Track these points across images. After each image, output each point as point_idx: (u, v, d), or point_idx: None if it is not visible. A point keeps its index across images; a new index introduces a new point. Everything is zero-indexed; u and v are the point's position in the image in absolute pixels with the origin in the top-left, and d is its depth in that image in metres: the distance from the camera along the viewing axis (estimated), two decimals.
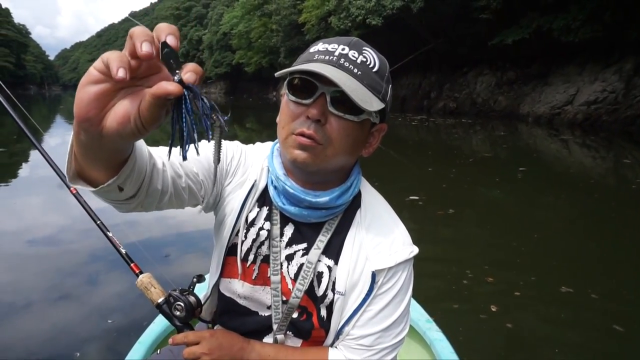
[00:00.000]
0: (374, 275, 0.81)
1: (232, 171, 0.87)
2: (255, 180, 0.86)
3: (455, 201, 4.76)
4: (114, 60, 0.42)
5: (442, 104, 18.93)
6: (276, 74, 0.76)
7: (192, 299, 0.87)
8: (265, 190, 0.86)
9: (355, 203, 0.87)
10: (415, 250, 0.87)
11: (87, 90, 0.45)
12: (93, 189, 0.60)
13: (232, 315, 0.93)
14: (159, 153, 0.72)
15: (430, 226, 3.98)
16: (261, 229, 0.86)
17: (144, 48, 0.41)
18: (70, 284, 2.81)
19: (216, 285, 0.93)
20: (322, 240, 0.84)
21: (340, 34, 20.50)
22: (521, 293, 2.65)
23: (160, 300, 0.90)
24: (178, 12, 70.32)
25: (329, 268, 0.84)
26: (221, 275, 0.91)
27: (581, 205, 4.81)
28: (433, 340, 1.41)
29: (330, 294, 0.84)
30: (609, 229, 4.01)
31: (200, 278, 0.94)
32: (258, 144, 0.94)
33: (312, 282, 0.84)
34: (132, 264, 0.99)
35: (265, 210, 0.86)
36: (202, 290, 1.03)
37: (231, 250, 0.88)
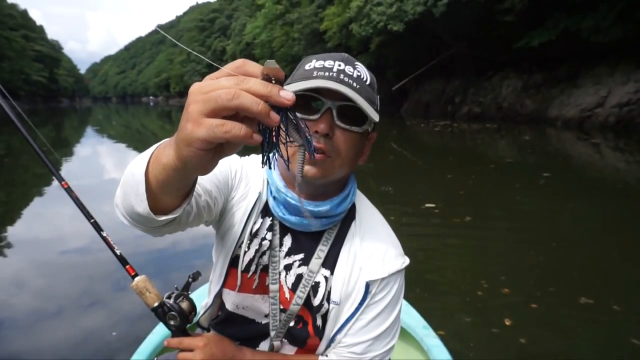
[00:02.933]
0: (367, 286, 0.84)
1: (236, 184, 0.90)
2: (260, 192, 0.89)
3: (473, 208, 4.62)
4: (244, 135, 0.41)
5: (466, 109, 18.57)
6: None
7: (185, 304, 0.89)
8: (267, 201, 0.89)
9: (350, 214, 0.91)
10: (407, 261, 0.89)
11: (204, 159, 0.46)
12: (175, 215, 0.63)
13: (229, 323, 0.95)
14: None
15: (445, 234, 3.87)
16: (264, 239, 0.88)
17: (274, 118, 0.42)
18: (78, 295, 2.85)
19: (218, 295, 0.95)
20: (322, 250, 0.87)
21: (361, 40, 20.54)
22: (538, 305, 2.54)
23: (155, 305, 0.89)
24: (202, 23, 72.07)
25: (325, 278, 0.87)
26: (223, 286, 0.93)
27: (606, 212, 4.58)
28: (430, 346, 1.40)
29: (325, 304, 0.86)
30: (636, 236, 3.80)
31: (196, 275, 0.94)
32: (253, 155, 0.97)
33: (308, 292, 0.87)
34: (127, 266, 0.97)
35: (268, 220, 0.89)
36: (202, 298, 1.07)
37: (233, 261, 0.90)
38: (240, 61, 0.44)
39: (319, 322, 0.88)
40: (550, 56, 14.98)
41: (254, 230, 0.88)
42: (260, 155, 0.94)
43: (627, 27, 11.66)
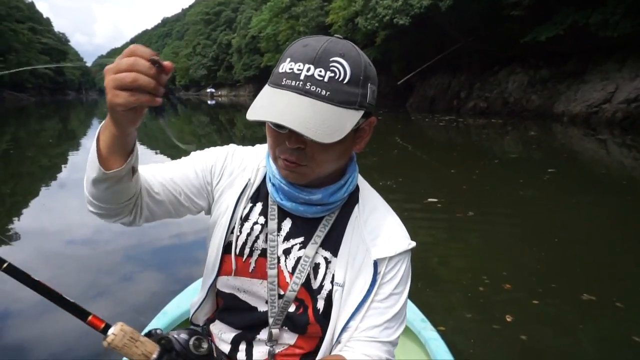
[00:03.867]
0: (375, 265, 0.83)
1: (218, 173, 0.92)
2: (250, 179, 0.90)
3: (476, 203, 4.61)
4: (147, 101, 0.62)
5: (472, 103, 18.46)
6: (248, 117, 0.73)
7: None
8: (259, 187, 0.91)
9: (353, 198, 0.90)
10: (412, 243, 0.87)
11: (129, 116, 0.66)
12: (121, 168, 0.73)
13: (232, 311, 0.95)
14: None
15: (448, 229, 3.87)
16: (255, 223, 0.89)
17: (161, 92, 0.64)
18: (83, 286, 2.88)
19: (212, 285, 0.94)
20: (319, 235, 0.86)
21: (367, 34, 20.43)
22: (540, 301, 2.53)
23: (157, 353, 0.68)
24: (208, 16, 71.94)
25: (326, 260, 0.86)
26: (218, 274, 0.92)
27: (611, 208, 4.56)
28: (428, 339, 1.39)
29: (328, 285, 0.85)
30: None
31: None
32: (257, 145, 0.98)
33: (308, 274, 0.86)
34: (89, 318, 0.69)
35: (259, 205, 0.90)
36: (194, 294, 1.04)
37: (226, 248, 0.90)
38: (133, 46, 0.61)
39: (320, 305, 0.86)
40: (558, 51, 14.81)
41: (243, 215, 0.90)
42: (258, 145, 0.99)
43: (636, 22, 11.50)
